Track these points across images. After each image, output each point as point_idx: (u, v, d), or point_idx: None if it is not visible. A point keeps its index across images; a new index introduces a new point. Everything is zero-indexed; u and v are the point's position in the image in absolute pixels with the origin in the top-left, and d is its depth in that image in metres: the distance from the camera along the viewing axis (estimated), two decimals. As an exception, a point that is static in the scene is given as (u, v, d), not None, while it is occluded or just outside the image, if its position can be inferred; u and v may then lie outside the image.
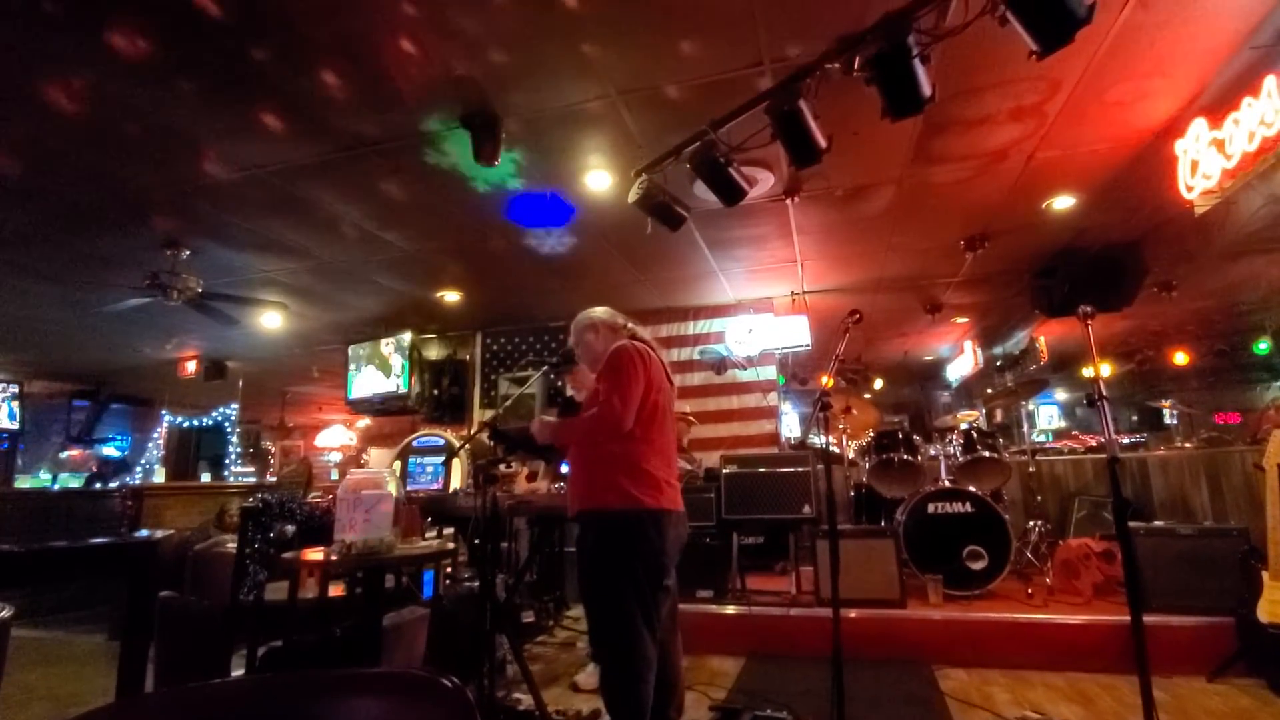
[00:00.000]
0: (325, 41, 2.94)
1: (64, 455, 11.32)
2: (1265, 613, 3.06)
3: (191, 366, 9.23)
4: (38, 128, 3.51)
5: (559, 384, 7.26)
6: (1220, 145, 3.41)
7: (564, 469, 2.98)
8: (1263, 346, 9.55)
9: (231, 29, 2.83)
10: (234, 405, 10.93)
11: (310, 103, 3.35)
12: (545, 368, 3.53)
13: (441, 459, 6.93)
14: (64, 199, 4.31)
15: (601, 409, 2.32)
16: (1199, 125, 3.55)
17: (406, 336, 7.47)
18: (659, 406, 2.48)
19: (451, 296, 6.70)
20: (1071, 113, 3.62)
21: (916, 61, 2.55)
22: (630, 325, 2.68)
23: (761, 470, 4.65)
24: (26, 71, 3.06)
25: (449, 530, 4.26)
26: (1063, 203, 4.78)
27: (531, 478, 4.63)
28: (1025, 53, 2.40)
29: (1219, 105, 3.43)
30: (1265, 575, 3.09)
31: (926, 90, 2.62)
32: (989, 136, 3.87)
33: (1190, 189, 3.66)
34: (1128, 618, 2.21)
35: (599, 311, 2.72)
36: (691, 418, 5.58)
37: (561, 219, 4.80)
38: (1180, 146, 3.69)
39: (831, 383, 2.81)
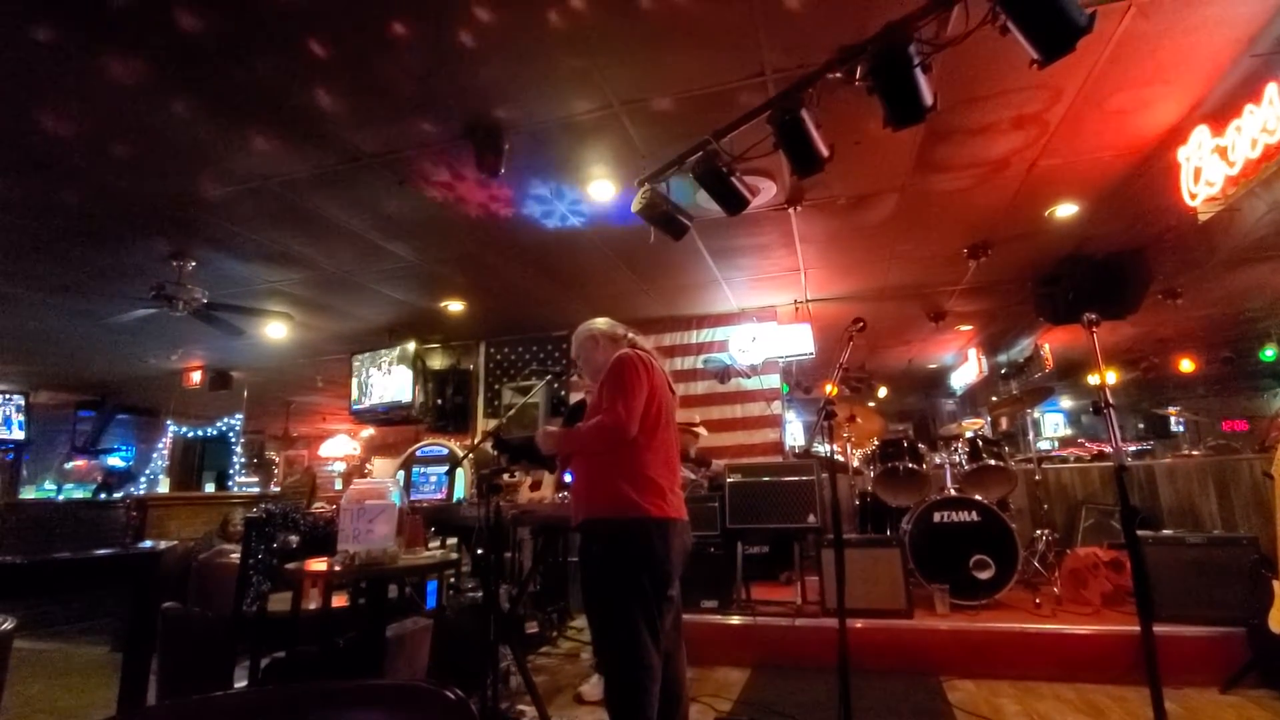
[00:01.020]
0: (330, 55, 2.96)
1: (69, 466, 11.35)
2: (1277, 622, 3.02)
3: (196, 377, 9.27)
4: (45, 141, 3.54)
5: (562, 393, 7.26)
6: (1223, 152, 3.41)
7: (567, 478, 2.97)
8: (1269, 353, 9.51)
9: (236, 44, 2.86)
10: (238, 415, 10.95)
11: (315, 115, 3.37)
12: (549, 377, 3.53)
13: (445, 468, 6.94)
14: (71, 211, 4.34)
15: (605, 416, 2.32)
16: (1201, 132, 3.55)
17: (410, 346, 7.49)
18: (662, 414, 2.47)
19: (455, 306, 6.72)
20: (1073, 121, 3.63)
21: (918, 70, 2.56)
22: (631, 335, 2.68)
23: (766, 479, 4.63)
24: (35, 87, 3.09)
25: (452, 540, 4.25)
26: (1066, 210, 4.78)
27: (535, 487, 4.62)
28: (1026, 61, 2.41)
29: (1221, 112, 3.43)
30: (1276, 584, 3.06)
31: (928, 99, 2.63)
32: (991, 145, 3.87)
33: (1194, 196, 3.66)
34: (1137, 628, 2.18)
35: (600, 323, 2.73)
36: (699, 429, 5.56)
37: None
38: (1183, 154, 3.69)
39: (835, 391, 2.80)
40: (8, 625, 1.95)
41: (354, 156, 3.77)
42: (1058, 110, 3.53)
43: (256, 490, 10.16)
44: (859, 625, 3.85)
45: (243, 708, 1.07)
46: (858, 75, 2.70)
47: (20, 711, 3.48)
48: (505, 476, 3.08)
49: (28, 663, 4.46)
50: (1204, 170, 3.54)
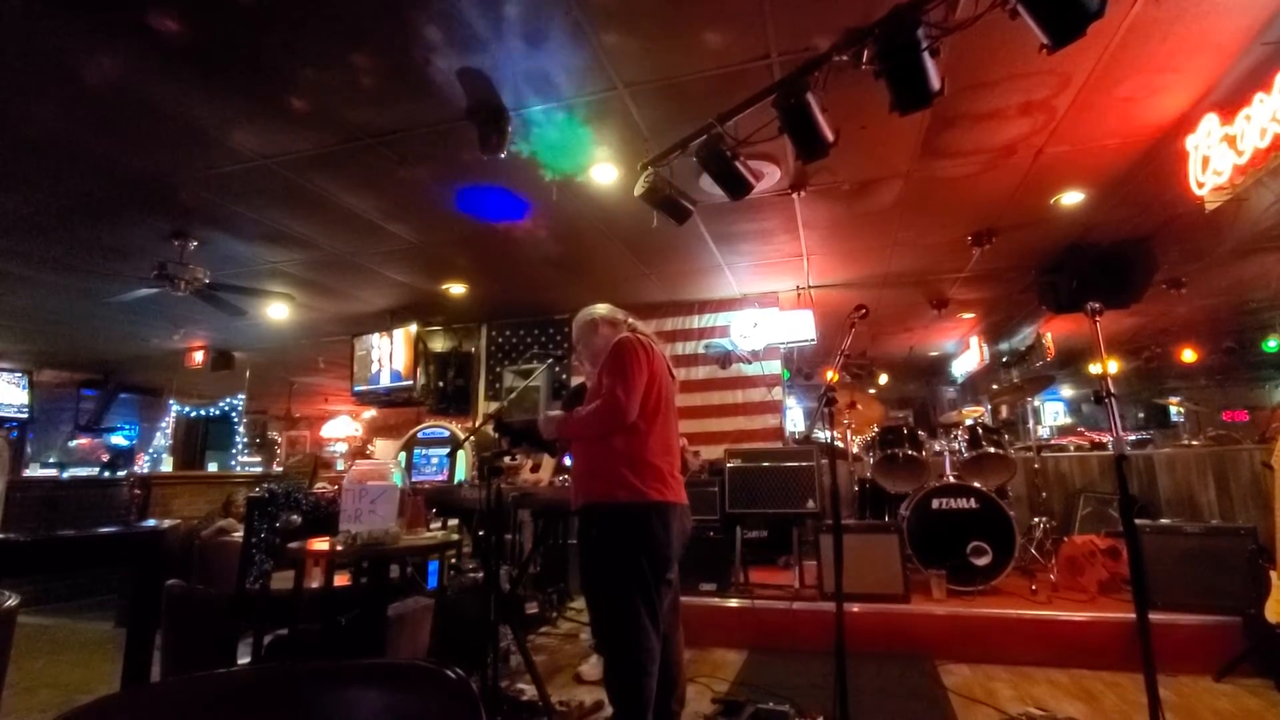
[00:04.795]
0: (332, 33, 2.93)
1: (73, 444, 11.40)
2: (1273, 613, 3.04)
3: (199, 357, 9.28)
4: (46, 117, 3.51)
5: (564, 377, 7.27)
6: (1232, 141, 3.38)
7: (567, 462, 2.98)
8: (1272, 344, 9.49)
9: (240, 18, 2.83)
10: (241, 395, 10.98)
11: (317, 95, 3.35)
12: (550, 360, 3.53)
13: (446, 451, 6.96)
14: (72, 189, 4.32)
15: (605, 399, 2.32)
16: (1210, 121, 3.52)
17: (412, 328, 7.49)
18: (662, 399, 2.48)
19: (457, 289, 6.71)
20: (1082, 108, 3.59)
21: (926, 55, 2.53)
22: (630, 321, 2.69)
23: (765, 465, 4.64)
24: (35, 63, 3.07)
25: (453, 521, 4.28)
26: (1071, 198, 4.75)
27: (535, 470, 4.64)
28: (1036, 46, 2.38)
29: (1231, 101, 3.40)
30: (1273, 575, 3.08)
31: (935, 84, 2.60)
32: (998, 131, 3.84)
33: (1201, 185, 3.63)
34: (1132, 615, 2.20)
35: (600, 308, 2.73)
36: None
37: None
38: (1191, 142, 3.66)
39: (836, 378, 2.80)
40: (11, 602, 1.96)
41: (355, 136, 3.74)
42: (1066, 97, 3.50)
43: (259, 470, 10.22)
44: (856, 609, 3.88)
45: (245, 685, 1.09)
46: (864, 59, 2.67)
47: (25, 686, 3.52)
48: (506, 459, 3.08)
49: (32, 638, 4.51)
50: (1212, 159, 3.51)
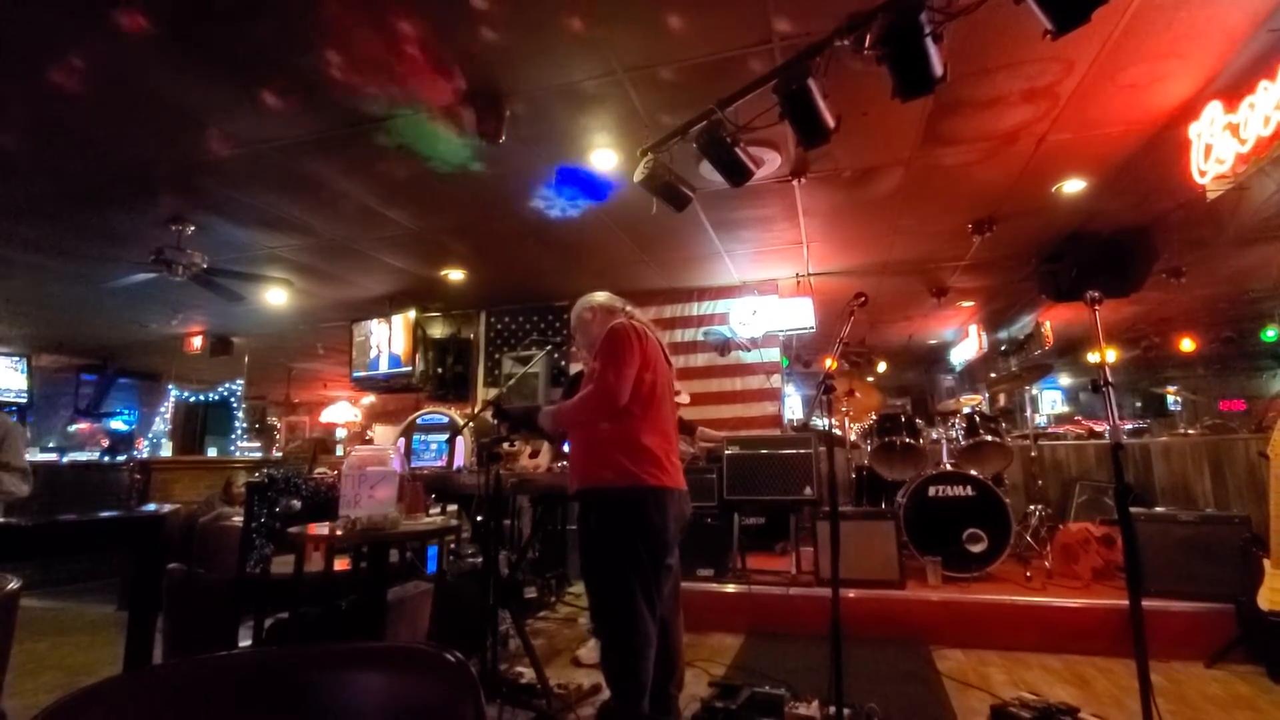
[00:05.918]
0: (328, 16, 2.90)
1: (73, 429, 11.41)
2: (1266, 600, 3.06)
3: (198, 342, 9.27)
4: (43, 102, 3.48)
5: (562, 363, 7.28)
6: (1235, 129, 3.36)
7: (566, 448, 2.99)
8: (1271, 334, 9.50)
9: (236, 5, 2.80)
10: (240, 381, 10.98)
11: (313, 78, 3.32)
12: (549, 347, 3.52)
13: (445, 436, 6.97)
14: (69, 174, 4.30)
15: (597, 384, 2.33)
16: (1214, 108, 3.50)
17: (411, 314, 7.48)
18: (657, 385, 2.48)
19: (456, 275, 6.69)
20: (1085, 94, 3.57)
21: (928, 40, 2.51)
22: (629, 309, 2.69)
23: (764, 452, 4.66)
24: (32, 46, 3.04)
25: (452, 507, 4.29)
26: (1073, 186, 4.73)
27: (534, 455, 4.66)
28: (1040, 32, 2.36)
29: (1235, 88, 3.37)
30: (1267, 563, 3.10)
31: (938, 70, 2.58)
32: (1000, 118, 3.82)
33: (1203, 174, 3.62)
34: (1126, 602, 2.22)
35: (599, 296, 2.73)
36: (682, 396, 5.67)
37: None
38: (1194, 130, 3.64)
39: (835, 365, 2.80)
40: (13, 585, 1.97)
41: (353, 121, 3.72)
42: (1069, 83, 3.47)
43: (259, 455, 10.24)
44: (852, 595, 3.91)
45: (246, 668, 1.10)
46: (866, 44, 2.65)
47: (30, 668, 3.55)
48: (505, 445, 3.09)
49: (36, 621, 4.54)
50: (1215, 147, 3.50)
